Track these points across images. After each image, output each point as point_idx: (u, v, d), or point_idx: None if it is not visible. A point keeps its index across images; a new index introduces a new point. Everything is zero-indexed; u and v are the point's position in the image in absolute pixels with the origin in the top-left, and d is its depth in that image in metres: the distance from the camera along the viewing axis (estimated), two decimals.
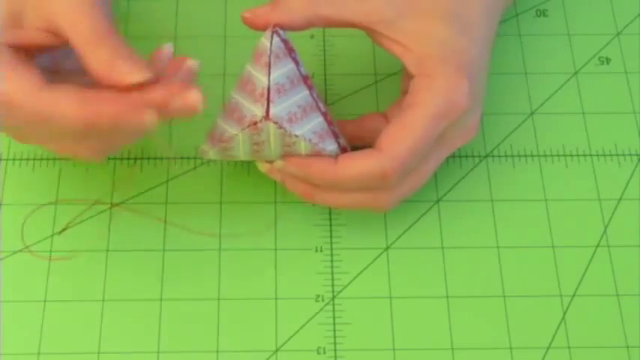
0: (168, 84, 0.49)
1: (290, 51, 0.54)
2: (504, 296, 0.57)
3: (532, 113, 0.64)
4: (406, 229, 0.59)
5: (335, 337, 0.56)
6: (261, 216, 0.59)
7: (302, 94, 0.54)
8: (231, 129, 0.53)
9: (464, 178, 0.61)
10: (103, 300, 0.56)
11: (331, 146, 0.54)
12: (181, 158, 0.61)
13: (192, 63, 0.51)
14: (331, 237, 0.59)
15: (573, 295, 0.57)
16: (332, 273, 0.58)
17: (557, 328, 0.56)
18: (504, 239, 0.59)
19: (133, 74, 0.48)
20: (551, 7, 0.68)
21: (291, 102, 0.53)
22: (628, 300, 0.57)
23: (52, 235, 0.58)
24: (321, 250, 0.58)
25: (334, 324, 0.56)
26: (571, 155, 0.62)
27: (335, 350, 0.55)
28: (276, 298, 0.57)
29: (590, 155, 0.62)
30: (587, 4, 0.68)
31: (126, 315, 0.56)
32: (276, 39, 0.54)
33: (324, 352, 0.55)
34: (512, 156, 0.62)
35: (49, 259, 0.58)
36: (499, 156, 0.62)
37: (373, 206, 0.55)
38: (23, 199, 0.59)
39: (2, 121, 0.51)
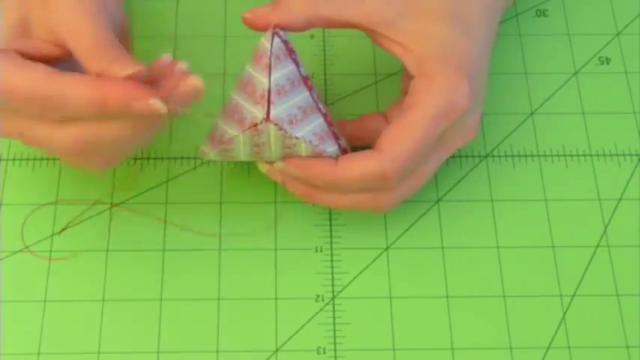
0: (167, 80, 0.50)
1: (290, 52, 0.54)
2: (504, 296, 0.57)
3: (532, 113, 0.64)
4: (406, 229, 0.59)
5: (335, 337, 0.56)
6: (261, 216, 0.59)
7: (302, 96, 0.54)
8: (231, 130, 0.53)
9: (464, 178, 0.61)
10: (103, 300, 0.56)
11: (331, 147, 0.54)
12: (181, 158, 0.61)
13: (181, 65, 0.51)
14: (331, 237, 0.59)
15: (573, 295, 0.57)
16: (332, 273, 0.58)
17: (557, 328, 0.56)
18: (504, 239, 0.59)
19: (125, 68, 0.49)
20: (551, 7, 0.68)
21: (292, 103, 0.53)
22: (628, 300, 0.57)
23: (52, 235, 0.58)
24: (321, 250, 0.58)
25: (334, 324, 0.56)
26: (571, 155, 0.62)
27: (335, 350, 0.55)
28: (276, 298, 0.57)
29: (590, 155, 0.62)
30: (587, 4, 0.69)
31: (126, 315, 0.56)
32: (276, 40, 0.53)
33: (324, 352, 0.55)
34: (512, 156, 0.62)
35: (49, 259, 0.58)
36: (499, 156, 0.62)
37: (373, 207, 0.55)
38: (23, 199, 0.59)
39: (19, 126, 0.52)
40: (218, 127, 0.54)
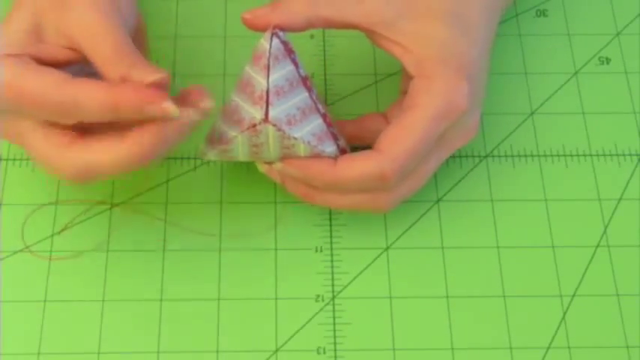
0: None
1: (289, 52, 0.54)
2: (504, 296, 0.57)
3: (532, 113, 0.64)
4: (406, 229, 0.59)
5: (335, 337, 0.56)
6: (261, 216, 0.59)
7: (301, 96, 0.54)
8: (230, 131, 0.53)
9: (464, 178, 0.61)
10: (103, 300, 0.56)
11: (330, 148, 0.54)
12: (181, 158, 0.61)
13: (208, 102, 0.51)
14: (331, 237, 0.59)
15: (573, 295, 0.57)
16: (332, 273, 0.58)
17: (557, 328, 0.56)
18: (504, 239, 0.59)
19: (150, 74, 0.50)
20: (551, 7, 0.68)
21: (290, 104, 0.53)
22: (628, 300, 0.57)
23: (52, 235, 0.58)
24: (321, 250, 0.58)
25: (334, 324, 0.56)
26: (571, 155, 0.62)
27: (335, 350, 0.55)
28: (276, 298, 0.57)
29: (590, 155, 0.62)
30: (587, 4, 0.68)
31: (126, 315, 0.56)
32: (275, 41, 0.53)
33: (324, 352, 0.55)
34: (512, 156, 0.62)
35: (49, 259, 0.58)
36: (499, 156, 0.62)
37: (373, 207, 0.55)
38: (23, 199, 0.59)
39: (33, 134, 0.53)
40: (217, 128, 0.54)
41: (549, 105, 0.64)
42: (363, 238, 0.59)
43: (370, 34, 0.56)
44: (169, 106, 0.49)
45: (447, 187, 0.61)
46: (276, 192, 0.60)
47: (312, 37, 0.66)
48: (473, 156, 0.62)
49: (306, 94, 0.54)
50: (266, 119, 0.52)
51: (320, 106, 0.55)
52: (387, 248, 0.59)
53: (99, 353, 0.55)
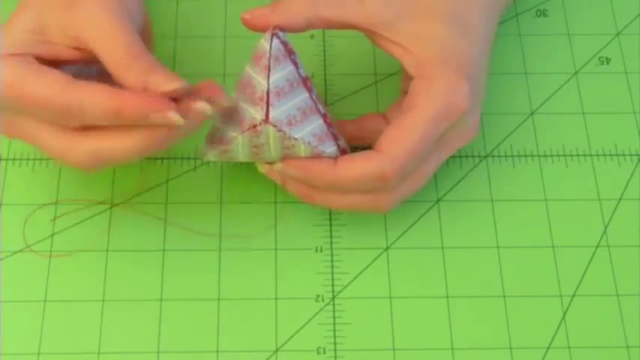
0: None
1: (290, 53, 0.54)
2: (504, 296, 0.57)
3: (532, 113, 0.64)
4: (406, 229, 0.59)
5: (335, 337, 0.56)
6: (261, 216, 0.59)
7: (301, 97, 0.54)
8: (230, 131, 0.53)
9: (464, 178, 0.61)
10: (103, 300, 0.56)
11: (330, 148, 0.54)
12: (181, 158, 0.61)
13: (223, 99, 0.52)
14: (331, 237, 0.59)
15: (573, 295, 0.57)
16: (332, 273, 0.58)
17: (557, 328, 0.56)
18: (504, 239, 0.59)
19: (168, 83, 0.50)
20: (551, 7, 0.68)
21: (291, 105, 0.53)
22: (628, 300, 0.57)
23: (52, 235, 0.58)
24: (321, 250, 0.58)
25: (334, 324, 0.56)
26: (571, 155, 0.62)
27: (335, 350, 0.55)
28: (276, 298, 0.57)
29: (590, 155, 0.62)
30: (587, 4, 0.68)
31: (126, 315, 0.56)
32: (275, 41, 0.53)
33: (324, 352, 0.55)
34: (512, 156, 0.62)
35: (49, 259, 0.58)
36: (499, 156, 0.62)
37: (373, 207, 0.55)
38: (23, 199, 0.59)
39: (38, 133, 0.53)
40: (217, 128, 0.54)
41: (549, 105, 0.64)
42: (363, 238, 0.59)
43: (370, 34, 0.56)
44: (173, 116, 0.49)
45: (447, 187, 0.61)
46: (276, 192, 0.60)
47: (312, 37, 0.66)
48: (473, 156, 0.62)
49: (306, 94, 0.54)
50: (266, 120, 0.52)
51: (320, 107, 0.55)
52: (387, 248, 0.59)
53: (99, 353, 0.55)
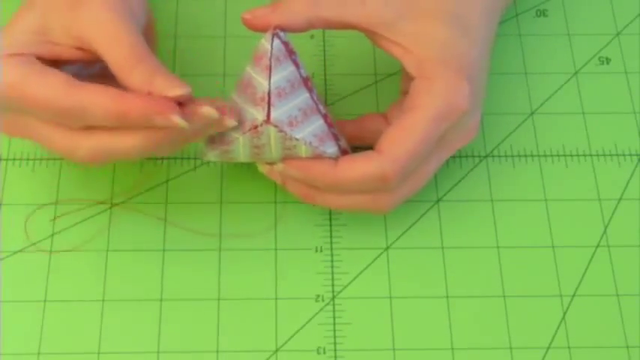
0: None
1: (290, 53, 0.54)
2: (504, 296, 0.57)
3: (532, 113, 0.64)
4: (406, 229, 0.59)
5: (335, 337, 0.56)
6: (261, 216, 0.59)
7: (302, 97, 0.54)
8: (231, 132, 0.53)
9: (464, 178, 0.61)
10: (103, 300, 0.56)
11: (331, 149, 0.54)
12: (181, 158, 0.61)
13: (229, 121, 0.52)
14: (331, 237, 0.59)
15: (573, 295, 0.57)
16: (332, 273, 0.58)
17: (557, 328, 0.56)
18: (504, 239, 0.59)
19: (173, 88, 0.50)
20: (551, 7, 0.68)
21: (292, 105, 0.53)
22: (628, 300, 0.57)
23: (52, 235, 0.58)
24: (321, 250, 0.58)
25: (334, 324, 0.56)
26: (571, 155, 0.62)
27: (335, 350, 0.55)
28: (276, 298, 0.57)
29: (590, 155, 0.62)
30: (587, 4, 0.68)
31: (126, 315, 0.56)
32: (276, 41, 0.53)
33: (324, 352, 0.55)
34: (512, 156, 0.62)
35: (49, 259, 0.58)
36: (499, 156, 0.62)
37: (373, 208, 0.55)
38: (23, 199, 0.59)
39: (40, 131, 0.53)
40: None
41: (549, 105, 0.64)
42: (363, 238, 0.59)
43: (371, 34, 0.56)
44: (177, 119, 0.49)
45: (447, 187, 0.61)
46: (276, 192, 0.60)
47: (312, 37, 0.66)
48: (473, 156, 0.62)
49: (307, 94, 0.54)
50: (268, 120, 0.52)
51: (321, 107, 0.55)
52: (387, 248, 0.59)
53: (99, 353, 0.55)
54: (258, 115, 0.52)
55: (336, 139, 0.55)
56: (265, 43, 0.53)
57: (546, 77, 0.65)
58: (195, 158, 0.61)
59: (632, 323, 0.57)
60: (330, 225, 0.59)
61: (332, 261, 0.58)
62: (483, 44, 0.56)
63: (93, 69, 0.56)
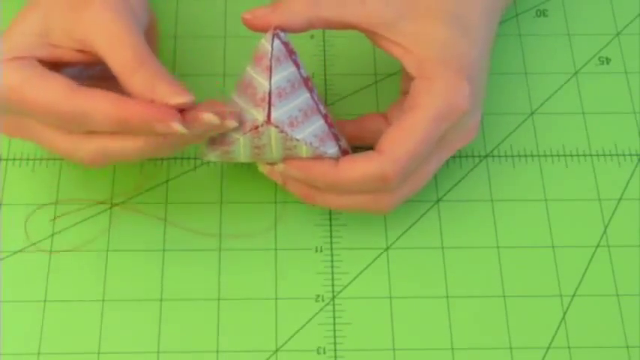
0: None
1: (291, 53, 0.54)
2: (504, 296, 0.57)
3: (532, 113, 0.64)
4: (406, 229, 0.59)
5: (335, 337, 0.56)
6: (261, 216, 0.59)
7: (303, 98, 0.54)
8: (232, 132, 0.53)
9: (464, 178, 0.61)
10: (103, 300, 0.56)
11: (332, 149, 0.54)
12: (181, 158, 0.61)
13: (230, 122, 0.52)
14: (331, 237, 0.59)
15: (573, 295, 0.57)
16: (332, 273, 0.58)
17: (557, 328, 0.56)
18: (504, 239, 0.59)
19: (175, 96, 0.50)
20: (551, 7, 0.68)
21: (292, 106, 0.53)
22: (628, 300, 0.57)
23: (52, 235, 0.58)
24: (321, 250, 0.58)
25: (334, 324, 0.56)
26: (571, 155, 0.62)
27: (335, 350, 0.55)
28: (276, 298, 0.57)
29: (590, 155, 0.62)
30: (587, 4, 0.69)
31: (126, 315, 0.56)
32: (277, 42, 0.53)
33: (324, 352, 0.55)
34: (512, 156, 0.62)
35: (49, 259, 0.58)
36: (499, 156, 0.62)
37: (374, 208, 0.55)
38: (23, 199, 0.59)
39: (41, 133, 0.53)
40: None
41: (549, 105, 0.64)
42: (363, 238, 0.59)
43: (371, 35, 0.56)
44: (178, 126, 0.49)
45: (447, 187, 0.61)
46: (276, 192, 0.60)
47: (312, 37, 0.66)
48: (473, 156, 0.62)
49: (307, 95, 0.54)
50: (268, 121, 0.52)
51: (321, 107, 0.55)
52: (387, 248, 0.59)
53: (99, 353, 0.55)
54: (259, 115, 0.52)
55: (337, 139, 0.55)
56: (265, 43, 0.53)
57: (546, 77, 0.65)
58: (195, 158, 0.61)
59: (632, 323, 0.57)
60: (330, 225, 0.59)
61: (332, 261, 0.58)
62: (483, 44, 0.56)
63: (93, 70, 0.56)
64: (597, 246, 0.59)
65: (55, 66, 0.53)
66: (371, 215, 0.60)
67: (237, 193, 0.60)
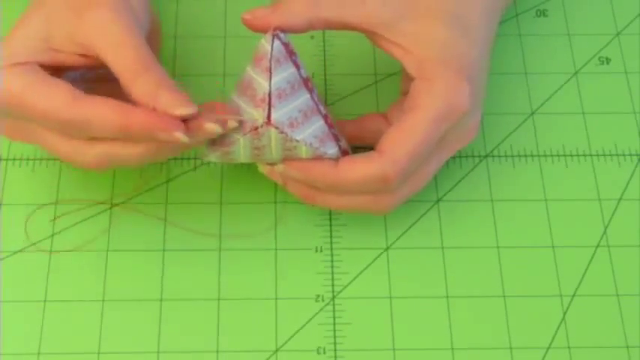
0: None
1: (291, 54, 0.54)
2: (504, 296, 0.57)
3: (532, 113, 0.64)
4: (406, 229, 0.59)
5: (335, 337, 0.56)
6: (261, 216, 0.59)
7: (303, 98, 0.54)
8: (232, 133, 0.53)
9: (464, 178, 0.61)
10: (103, 300, 0.56)
11: (332, 150, 0.54)
12: (181, 158, 0.61)
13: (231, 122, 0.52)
14: (331, 237, 0.59)
15: (573, 295, 0.57)
16: (332, 273, 0.58)
17: (557, 328, 0.56)
18: (504, 239, 0.59)
19: (178, 107, 0.50)
20: (551, 7, 0.68)
21: (292, 106, 0.53)
22: (628, 300, 0.57)
23: (52, 235, 0.58)
24: (322, 250, 0.58)
25: (334, 324, 0.56)
26: (571, 155, 0.62)
27: (335, 350, 0.55)
28: (276, 298, 0.57)
29: (590, 155, 0.62)
30: (587, 4, 0.68)
31: (126, 315, 0.56)
32: (276, 42, 0.53)
33: (324, 352, 0.55)
34: (512, 156, 0.62)
35: (49, 259, 0.58)
36: (499, 156, 0.62)
37: (374, 209, 0.55)
38: (23, 199, 0.59)
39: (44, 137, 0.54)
40: None
41: (549, 105, 0.64)
42: (363, 238, 0.59)
43: (371, 35, 0.56)
44: (180, 135, 0.50)
45: (447, 187, 0.61)
46: (276, 192, 0.60)
47: (312, 37, 0.66)
48: (473, 156, 0.62)
49: (307, 95, 0.54)
50: (268, 122, 0.52)
51: (321, 108, 0.55)
52: (387, 248, 0.59)
53: (99, 353, 0.55)
54: (259, 116, 0.52)
55: (337, 139, 0.54)
56: (265, 44, 0.53)
57: (546, 77, 0.65)
58: (195, 158, 0.61)
59: (632, 323, 0.57)
60: (330, 225, 0.59)
61: (332, 261, 0.58)
62: (483, 44, 0.56)
63: (95, 73, 0.56)
64: (597, 246, 0.59)
65: (56, 70, 0.53)
66: (371, 215, 0.60)
67: (237, 193, 0.60)
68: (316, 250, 0.58)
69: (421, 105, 0.53)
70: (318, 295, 0.57)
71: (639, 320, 0.57)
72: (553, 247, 0.59)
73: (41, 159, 0.61)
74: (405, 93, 0.58)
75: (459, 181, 0.61)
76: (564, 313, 0.57)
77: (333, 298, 0.57)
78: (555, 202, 0.60)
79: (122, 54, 0.51)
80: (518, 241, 0.59)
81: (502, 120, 0.63)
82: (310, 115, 0.54)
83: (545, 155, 0.62)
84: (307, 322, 0.56)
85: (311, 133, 0.53)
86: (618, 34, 0.67)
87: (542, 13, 0.68)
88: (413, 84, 0.55)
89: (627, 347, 0.56)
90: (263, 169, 0.56)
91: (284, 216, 0.59)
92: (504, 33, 0.67)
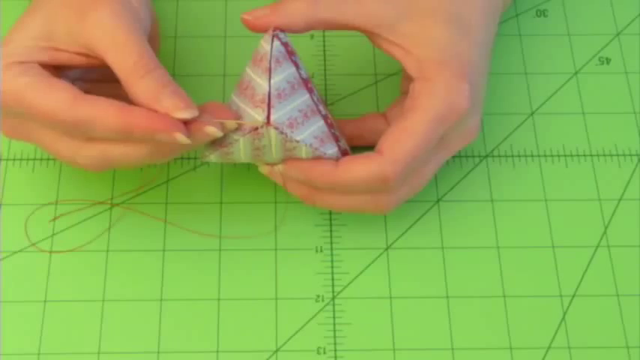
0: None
1: (290, 54, 0.54)
2: (504, 296, 0.57)
3: (532, 113, 0.64)
4: (406, 229, 0.59)
5: (335, 337, 0.56)
6: (261, 216, 0.59)
7: (303, 98, 0.54)
8: (232, 134, 0.53)
9: (464, 178, 0.61)
10: (103, 300, 0.56)
11: (332, 150, 0.54)
12: (181, 158, 0.61)
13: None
14: (331, 237, 0.59)
15: (573, 295, 0.57)
16: (332, 273, 0.58)
17: (557, 328, 0.56)
18: (504, 239, 0.59)
19: (180, 110, 0.50)
20: (551, 7, 0.68)
21: (292, 107, 0.53)
22: (628, 300, 0.57)
23: (52, 235, 0.58)
24: (322, 250, 0.59)
25: (334, 324, 0.56)
26: (571, 155, 0.62)
27: (335, 350, 0.55)
28: (276, 298, 0.57)
29: (590, 155, 0.62)
30: (587, 4, 0.68)
31: (126, 315, 0.56)
32: (276, 43, 0.53)
33: (324, 352, 0.55)
34: (512, 156, 0.62)
35: (49, 259, 0.58)
36: (499, 156, 0.62)
37: (373, 209, 0.55)
38: (23, 199, 0.59)
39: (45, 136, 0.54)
40: None
41: (549, 105, 0.64)
42: (363, 238, 0.59)
43: (370, 35, 0.56)
44: (180, 136, 0.50)
45: (447, 187, 0.61)
46: (276, 192, 0.60)
47: (312, 37, 0.66)
48: (473, 156, 0.62)
49: (307, 95, 0.54)
50: (268, 122, 0.52)
51: (321, 108, 0.55)
52: (387, 248, 0.59)
53: (99, 353, 0.55)
54: (259, 116, 0.52)
55: (337, 139, 0.54)
56: (265, 44, 0.53)
57: (546, 77, 0.65)
58: (195, 158, 0.61)
59: (632, 323, 0.57)
60: (330, 225, 0.59)
61: (332, 261, 0.58)
62: (483, 45, 0.56)
63: (95, 72, 0.56)
64: (597, 246, 0.59)
65: (57, 69, 0.53)
66: (371, 215, 0.60)
67: (237, 193, 0.60)
68: (316, 250, 0.58)
69: (421, 105, 0.53)
70: (318, 295, 0.57)
71: (639, 320, 0.57)
72: (553, 247, 0.59)
73: (41, 159, 0.61)
74: (405, 93, 0.58)
75: (459, 181, 0.61)
76: (564, 313, 0.57)
77: (333, 298, 0.57)
78: (555, 202, 0.60)
79: (124, 55, 0.51)
80: (519, 241, 0.59)
81: (502, 120, 0.63)
82: (310, 116, 0.54)
83: (545, 155, 0.62)
84: (307, 322, 0.56)
85: (311, 133, 0.53)
86: (618, 34, 0.67)
87: (542, 13, 0.68)
88: (413, 84, 0.55)
89: (627, 347, 0.56)
90: (263, 169, 0.56)
91: (284, 216, 0.59)
92: (504, 33, 0.67)
